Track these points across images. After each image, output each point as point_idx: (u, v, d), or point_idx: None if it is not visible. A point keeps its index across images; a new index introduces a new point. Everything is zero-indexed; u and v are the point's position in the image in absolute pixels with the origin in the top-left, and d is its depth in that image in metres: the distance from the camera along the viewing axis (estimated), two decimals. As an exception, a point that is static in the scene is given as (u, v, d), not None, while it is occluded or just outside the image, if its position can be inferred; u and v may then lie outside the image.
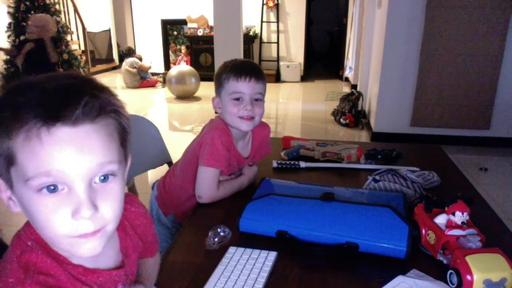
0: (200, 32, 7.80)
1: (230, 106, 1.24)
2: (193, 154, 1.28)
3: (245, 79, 1.22)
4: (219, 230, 1.02)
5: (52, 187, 0.49)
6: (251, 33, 7.80)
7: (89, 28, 7.91)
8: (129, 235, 0.70)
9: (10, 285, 0.51)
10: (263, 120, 1.33)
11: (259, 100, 1.26)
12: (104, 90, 0.54)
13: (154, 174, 2.16)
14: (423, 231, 0.98)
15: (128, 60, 7.12)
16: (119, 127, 0.55)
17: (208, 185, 1.22)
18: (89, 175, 0.51)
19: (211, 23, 7.31)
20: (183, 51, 8.05)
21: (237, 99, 1.23)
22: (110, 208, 0.53)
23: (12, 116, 0.48)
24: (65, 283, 0.55)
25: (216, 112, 1.32)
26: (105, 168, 0.52)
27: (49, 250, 0.56)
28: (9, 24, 5.33)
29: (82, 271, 0.57)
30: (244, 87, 1.22)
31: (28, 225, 0.57)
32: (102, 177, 0.52)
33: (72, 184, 0.49)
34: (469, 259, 0.82)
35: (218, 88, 1.28)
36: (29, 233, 0.56)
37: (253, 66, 1.28)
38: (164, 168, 1.59)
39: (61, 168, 0.48)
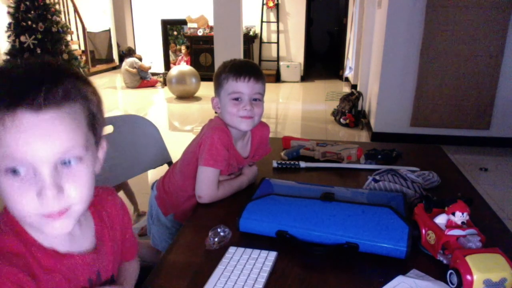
0: (200, 32, 7.80)
1: (229, 106, 1.24)
2: (193, 154, 1.28)
3: (244, 79, 1.22)
4: (219, 230, 1.01)
5: (16, 171, 0.50)
6: (251, 33, 7.80)
7: (89, 28, 7.91)
8: (106, 224, 0.70)
9: None
10: (263, 120, 1.33)
11: (258, 100, 1.26)
12: (70, 76, 0.54)
13: (154, 174, 2.16)
14: (423, 231, 0.98)
15: (128, 60, 7.12)
16: (87, 113, 0.56)
17: (208, 185, 1.22)
18: (53, 160, 0.51)
19: (211, 23, 7.31)
20: (183, 51, 8.05)
21: (236, 99, 1.23)
22: (75, 190, 0.54)
23: None
24: (32, 266, 0.56)
25: (215, 112, 1.32)
26: (69, 153, 0.53)
27: (21, 233, 0.57)
28: (9, 24, 5.32)
29: (54, 254, 0.58)
30: (243, 87, 1.22)
31: (4, 209, 0.58)
32: (68, 161, 0.53)
33: (36, 167, 0.51)
34: (469, 259, 0.81)
35: (217, 88, 1.28)
36: (5, 216, 0.58)
37: (253, 66, 1.28)
38: (164, 168, 1.59)
39: (24, 153, 0.49)
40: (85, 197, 0.57)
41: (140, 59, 7.45)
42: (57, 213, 0.54)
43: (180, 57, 8.08)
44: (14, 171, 0.50)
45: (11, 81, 0.50)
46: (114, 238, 0.73)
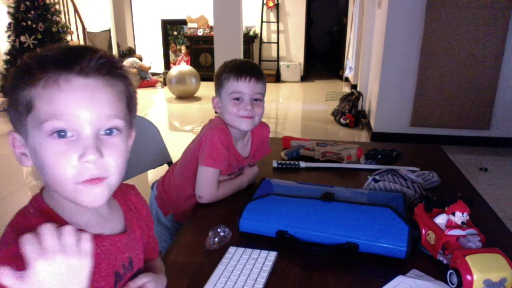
0: (200, 32, 7.80)
1: (230, 106, 1.24)
2: (193, 154, 1.28)
3: (245, 79, 1.22)
4: (219, 230, 1.02)
5: (62, 133, 0.54)
6: (251, 33, 7.80)
7: (89, 28, 7.90)
8: (133, 212, 0.72)
9: (7, 248, 0.53)
10: (263, 120, 1.33)
11: (258, 100, 1.26)
12: (113, 56, 0.60)
13: (154, 174, 2.16)
14: (423, 231, 0.98)
15: (128, 60, 7.12)
16: (126, 92, 0.61)
17: (208, 185, 1.22)
18: (97, 124, 0.55)
19: (211, 23, 7.31)
20: (183, 51, 8.05)
21: (237, 99, 1.23)
22: (113, 159, 0.57)
23: (37, 66, 0.54)
24: None
25: (216, 112, 1.32)
26: (111, 121, 0.57)
27: (52, 217, 0.58)
28: (9, 24, 5.32)
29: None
30: (244, 87, 1.23)
31: (35, 196, 0.61)
32: (108, 131, 0.57)
33: (81, 130, 0.54)
34: (469, 259, 0.82)
35: (218, 88, 1.28)
36: (34, 202, 0.60)
37: (253, 66, 1.28)
38: (164, 168, 1.59)
39: (73, 113, 0.53)
40: (120, 170, 0.59)
41: (141, 59, 7.45)
42: (95, 180, 0.55)
43: (180, 57, 8.09)
44: (60, 133, 0.53)
45: (67, 50, 0.57)
46: (142, 227, 0.74)
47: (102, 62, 0.57)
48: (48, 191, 0.61)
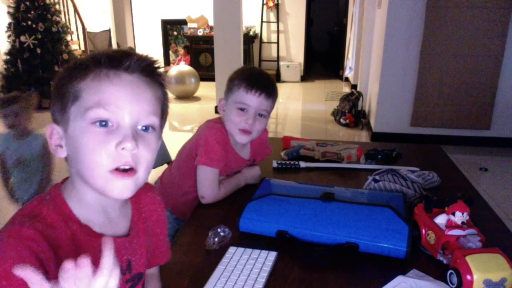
0: (200, 32, 7.80)
1: (233, 114, 1.22)
2: (189, 152, 1.28)
3: (255, 93, 1.19)
4: (219, 230, 1.02)
5: (103, 122, 0.58)
6: (251, 33, 7.79)
7: (89, 28, 7.89)
8: (141, 216, 0.73)
9: (11, 226, 0.56)
10: None
11: (263, 116, 1.23)
12: (158, 64, 0.66)
13: (154, 174, 2.16)
14: (423, 231, 0.98)
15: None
16: (162, 98, 0.65)
17: (208, 185, 1.22)
18: (136, 118, 0.60)
19: (211, 23, 7.31)
20: (181, 52, 8.05)
21: (242, 109, 1.21)
22: (146, 153, 0.61)
23: (91, 61, 0.60)
24: (62, 239, 0.58)
25: (217, 112, 1.31)
26: (149, 117, 0.61)
27: (61, 206, 0.61)
28: (9, 24, 5.32)
29: (88, 231, 0.61)
30: (252, 100, 1.20)
31: (55, 185, 0.65)
32: (144, 127, 0.61)
33: (121, 120, 0.58)
34: (469, 259, 0.82)
35: (228, 91, 1.26)
36: (53, 189, 0.64)
37: (267, 82, 1.25)
38: (164, 168, 1.59)
39: (117, 104, 0.58)
40: (149, 167, 0.63)
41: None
42: (127, 171, 0.59)
43: (178, 58, 8.08)
44: (101, 122, 0.58)
45: (117, 52, 0.63)
46: (147, 233, 0.75)
47: (146, 64, 0.62)
48: (71, 182, 0.63)
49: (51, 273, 0.54)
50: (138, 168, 0.60)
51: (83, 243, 0.60)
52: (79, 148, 0.58)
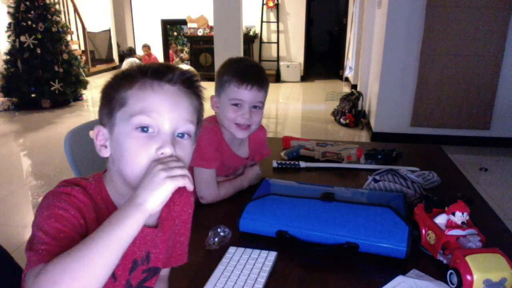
0: (200, 32, 7.80)
1: (228, 110, 1.21)
2: None
3: (247, 86, 1.18)
4: (219, 230, 1.02)
5: (145, 128, 0.63)
6: (251, 33, 7.79)
7: (89, 28, 7.91)
8: (170, 215, 0.76)
9: (59, 188, 0.65)
10: (264, 120, 1.32)
11: (258, 107, 1.23)
12: (196, 76, 0.72)
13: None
14: (423, 231, 0.98)
15: (128, 60, 7.13)
16: (198, 108, 0.71)
17: (205, 185, 1.22)
18: (175, 125, 0.65)
19: (211, 23, 7.31)
20: (185, 56, 8.06)
21: (236, 104, 1.20)
22: (183, 157, 0.65)
23: (139, 72, 0.67)
24: (99, 213, 0.65)
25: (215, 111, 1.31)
26: (187, 125, 0.66)
27: (102, 188, 0.68)
28: (9, 24, 5.32)
29: None
30: (245, 95, 1.19)
31: (97, 173, 0.71)
32: (181, 134, 0.66)
33: (162, 127, 0.64)
34: (469, 259, 0.82)
35: (218, 88, 1.24)
36: (96, 175, 0.70)
37: (257, 73, 1.24)
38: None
39: (159, 111, 0.64)
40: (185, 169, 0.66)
41: (140, 59, 7.45)
42: None
43: (178, 59, 8.09)
44: (144, 128, 0.63)
45: (159, 65, 0.69)
46: (173, 231, 0.77)
47: (187, 77, 0.68)
48: (110, 176, 0.69)
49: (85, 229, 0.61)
50: None
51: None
52: (122, 150, 0.64)
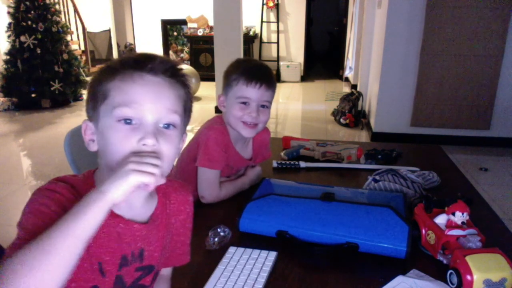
0: (200, 32, 7.80)
1: (235, 109, 1.22)
2: (189, 154, 1.28)
3: (255, 85, 1.19)
4: (219, 230, 1.02)
5: (128, 120, 0.63)
6: (251, 33, 7.79)
7: (89, 28, 7.90)
8: (166, 212, 0.75)
9: (47, 184, 0.64)
10: None
11: (265, 107, 1.23)
12: (178, 65, 0.71)
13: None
14: (423, 231, 0.98)
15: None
16: (184, 97, 0.70)
17: (208, 186, 1.22)
18: (158, 115, 0.64)
19: (211, 23, 7.31)
20: (185, 57, 8.08)
21: (244, 103, 1.21)
22: (167, 149, 0.65)
23: (119, 64, 0.66)
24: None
25: (217, 111, 1.31)
26: (171, 115, 0.66)
27: (91, 184, 0.66)
28: (9, 24, 5.32)
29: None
30: (252, 93, 1.19)
31: (90, 170, 0.71)
32: (166, 125, 0.65)
33: (144, 118, 0.63)
34: (469, 259, 0.82)
35: (226, 87, 1.25)
36: (87, 172, 0.70)
37: (265, 72, 1.24)
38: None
39: (140, 102, 0.63)
40: (170, 161, 0.66)
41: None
42: None
43: (178, 58, 8.09)
44: (127, 120, 0.63)
45: (139, 55, 0.68)
46: (169, 230, 0.76)
47: (168, 66, 0.67)
48: (100, 171, 0.69)
49: None
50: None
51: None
52: (107, 143, 0.64)
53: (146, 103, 0.64)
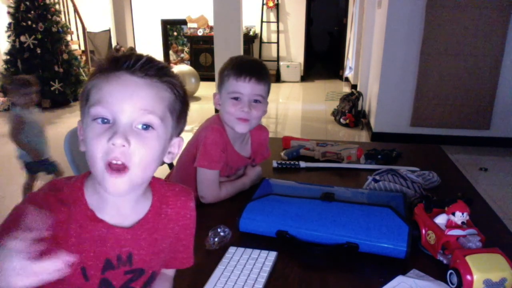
0: (200, 32, 7.80)
1: (228, 105, 1.22)
2: (188, 154, 1.28)
3: (245, 79, 1.19)
4: (219, 230, 1.01)
5: (105, 120, 0.62)
6: (251, 33, 7.79)
7: (89, 28, 7.89)
8: (161, 217, 0.73)
9: (38, 192, 0.66)
10: (263, 120, 1.32)
11: (258, 102, 1.22)
12: (166, 66, 0.68)
13: (155, 174, 2.16)
14: (423, 231, 0.98)
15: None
16: (169, 98, 0.67)
17: (208, 185, 1.22)
18: (131, 115, 0.62)
19: (211, 23, 7.31)
20: (186, 57, 8.08)
21: (236, 98, 1.21)
22: (139, 151, 0.62)
23: (98, 64, 0.66)
24: (66, 215, 0.64)
25: (216, 109, 1.31)
26: (146, 116, 0.63)
27: (78, 188, 0.67)
28: (9, 24, 5.32)
29: (91, 215, 0.66)
30: (242, 87, 1.19)
31: (84, 173, 0.70)
32: (144, 126, 0.63)
33: (117, 118, 0.62)
34: (469, 259, 0.82)
35: (220, 84, 1.25)
36: (81, 175, 0.70)
37: (256, 66, 1.24)
38: (164, 167, 1.59)
39: (113, 102, 0.62)
40: (145, 165, 0.64)
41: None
42: (118, 169, 0.61)
43: (179, 59, 8.09)
44: (103, 120, 0.62)
45: (120, 55, 0.66)
46: (166, 234, 0.74)
47: (149, 65, 0.65)
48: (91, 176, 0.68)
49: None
50: (130, 165, 0.61)
51: (82, 224, 0.65)
52: (85, 142, 0.64)
53: (118, 102, 0.62)
